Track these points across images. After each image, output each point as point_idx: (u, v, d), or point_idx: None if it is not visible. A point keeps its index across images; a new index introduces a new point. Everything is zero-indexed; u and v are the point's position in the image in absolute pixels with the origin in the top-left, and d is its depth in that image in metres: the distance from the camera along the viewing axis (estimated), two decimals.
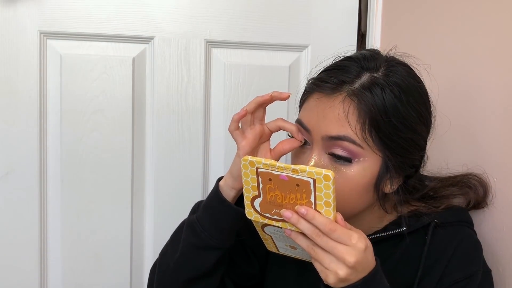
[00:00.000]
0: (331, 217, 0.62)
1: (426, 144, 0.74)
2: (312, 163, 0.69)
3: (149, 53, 1.08)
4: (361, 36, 1.18)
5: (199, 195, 1.13)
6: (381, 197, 0.73)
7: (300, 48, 1.14)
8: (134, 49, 1.07)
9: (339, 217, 0.62)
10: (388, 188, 0.72)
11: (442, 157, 0.86)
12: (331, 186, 0.60)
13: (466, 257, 0.74)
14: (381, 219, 0.78)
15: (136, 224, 1.12)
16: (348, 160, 0.69)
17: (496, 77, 0.81)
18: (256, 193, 0.66)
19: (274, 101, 0.78)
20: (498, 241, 0.80)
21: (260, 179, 0.64)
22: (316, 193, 0.61)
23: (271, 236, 0.71)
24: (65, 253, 1.09)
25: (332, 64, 0.74)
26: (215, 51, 1.11)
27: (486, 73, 0.84)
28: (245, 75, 1.12)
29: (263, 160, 0.63)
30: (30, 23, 1.02)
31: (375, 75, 0.69)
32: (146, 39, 1.08)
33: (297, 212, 0.62)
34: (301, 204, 0.62)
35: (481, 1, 0.85)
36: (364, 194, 0.71)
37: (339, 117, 0.68)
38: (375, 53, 0.73)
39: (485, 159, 0.83)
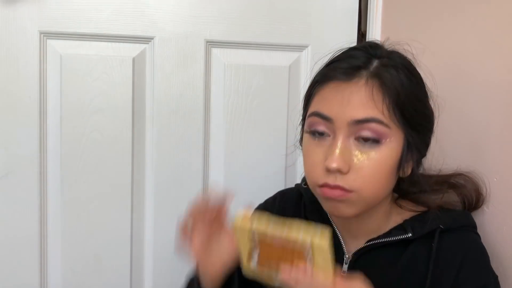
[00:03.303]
0: (330, 275, 0.61)
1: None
2: (338, 151, 0.68)
3: (149, 53, 1.08)
4: (361, 36, 1.19)
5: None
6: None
7: (300, 48, 1.14)
8: (134, 49, 1.07)
9: (338, 273, 0.62)
10: (403, 171, 0.73)
11: (440, 156, 0.86)
12: (328, 251, 0.60)
13: (477, 267, 0.73)
14: (387, 217, 0.78)
15: (136, 224, 1.12)
16: (376, 141, 0.68)
17: (497, 75, 0.81)
18: (251, 253, 0.66)
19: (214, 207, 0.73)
20: (499, 241, 0.80)
21: (255, 240, 0.65)
22: (315, 256, 0.61)
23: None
24: (65, 253, 1.09)
25: (338, 56, 0.74)
26: (215, 51, 1.11)
27: (486, 73, 0.84)
28: (245, 75, 1.12)
29: (255, 224, 0.63)
30: (30, 23, 1.02)
31: (383, 60, 0.71)
32: (146, 39, 1.08)
33: (294, 274, 0.62)
34: (298, 265, 0.62)
35: (482, 2, 0.85)
36: (391, 178, 0.71)
37: (365, 99, 0.68)
38: (376, 43, 0.75)
39: (485, 158, 0.83)
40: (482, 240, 0.77)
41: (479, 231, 0.79)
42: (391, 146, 0.69)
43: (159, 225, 1.12)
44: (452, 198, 0.83)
